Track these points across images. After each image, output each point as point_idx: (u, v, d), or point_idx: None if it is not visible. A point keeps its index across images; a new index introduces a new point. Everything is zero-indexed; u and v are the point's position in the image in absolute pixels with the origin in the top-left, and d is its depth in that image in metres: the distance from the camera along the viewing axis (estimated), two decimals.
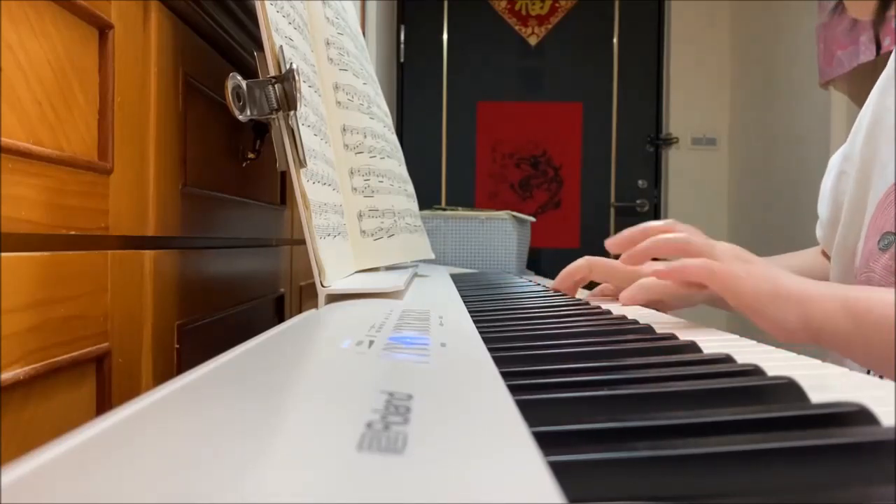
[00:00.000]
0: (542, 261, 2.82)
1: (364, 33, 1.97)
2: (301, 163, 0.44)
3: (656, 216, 2.99)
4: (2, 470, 0.12)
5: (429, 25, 3.00)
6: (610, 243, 0.57)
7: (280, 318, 0.75)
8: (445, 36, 3.00)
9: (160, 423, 0.16)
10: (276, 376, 0.22)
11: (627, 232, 0.58)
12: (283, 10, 0.47)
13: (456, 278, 0.89)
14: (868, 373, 0.56)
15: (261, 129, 0.62)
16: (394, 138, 0.78)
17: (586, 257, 0.68)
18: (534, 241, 1.77)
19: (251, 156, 0.62)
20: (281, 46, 0.44)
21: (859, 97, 1.90)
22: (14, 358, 0.29)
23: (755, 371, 0.28)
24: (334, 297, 0.43)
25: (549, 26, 3.00)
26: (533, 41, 3.00)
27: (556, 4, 2.99)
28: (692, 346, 0.35)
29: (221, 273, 0.56)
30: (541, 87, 3.00)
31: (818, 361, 0.33)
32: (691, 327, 0.46)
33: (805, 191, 2.06)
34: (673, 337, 0.37)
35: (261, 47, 0.44)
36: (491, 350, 0.31)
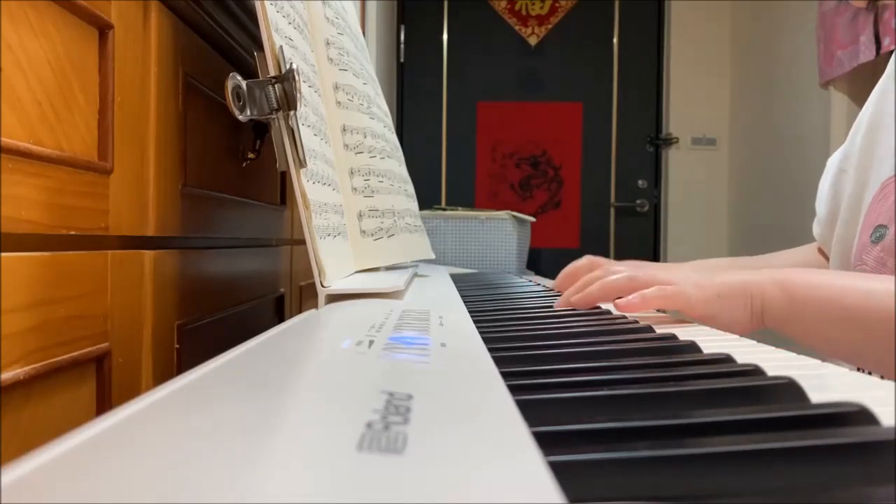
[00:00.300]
0: (542, 261, 2.82)
1: (364, 33, 1.97)
2: (301, 163, 0.44)
3: (656, 216, 2.99)
4: (2, 470, 0.12)
5: (429, 25, 3.00)
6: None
7: (280, 318, 0.75)
8: (445, 36, 3.00)
9: (160, 423, 0.16)
10: (276, 376, 0.22)
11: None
12: (283, 10, 0.47)
13: (456, 278, 0.89)
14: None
15: (261, 129, 0.62)
16: (394, 138, 0.78)
17: (588, 256, 0.68)
18: (534, 241, 1.77)
19: (251, 156, 0.62)
20: (281, 46, 0.44)
21: (859, 97, 1.90)
22: (14, 358, 0.29)
23: (755, 371, 0.28)
24: (334, 297, 0.43)
25: (549, 26, 3.00)
26: (533, 41, 3.00)
27: (556, 4, 2.99)
28: (692, 346, 0.35)
29: (221, 273, 0.56)
30: (541, 87, 2.99)
31: (818, 361, 0.33)
32: (691, 327, 0.46)
33: (805, 191, 2.06)
34: (673, 337, 0.37)
35: (261, 47, 0.44)
36: (491, 350, 0.31)
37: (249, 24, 0.57)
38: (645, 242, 2.97)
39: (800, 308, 0.46)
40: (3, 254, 0.29)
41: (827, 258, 0.71)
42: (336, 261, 0.48)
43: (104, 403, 0.38)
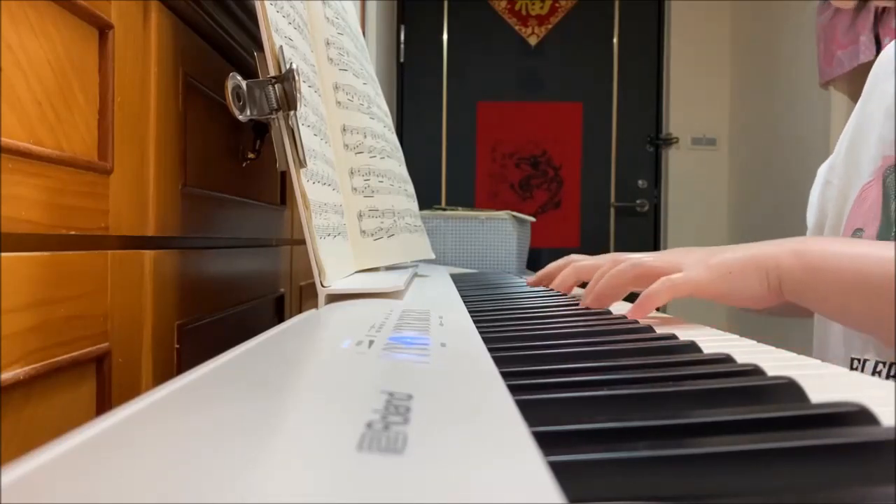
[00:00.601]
0: (542, 261, 2.80)
1: (364, 33, 1.97)
2: (301, 163, 0.44)
3: (656, 216, 2.99)
4: (2, 470, 0.12)
5: (429, 25, 3.00)
6: (532, 281, 0.60)
7: (280, 318, 0.75)
8: (445, 36, 3.00)
9: (160, 423, 0.16)
10: (276, 376, 0.22)
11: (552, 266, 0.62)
12: (283, 10, 0.47)
13: (456, 278, 0.89)
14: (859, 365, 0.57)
15: (261, 129, 0.62)
16: (394, 138, 0.78)
17: (568, 257, 0.69)
18: (534, 241, 1.77)
19: (251, 156, 0.62)
20: (281, 46, 0.44)
21: (859, 97, 1.89)
22: (14, 358, 0.29)
23: (755, 371, 0.28)
24: (334, 297, 0.43)
25: (549, 26, 3.00)
26: (533, 41, 3.00)
27: (556, 4, 2.99)
28: (692, 346, 0.35)
29: (221, 273, 0.56)
30: (541, 87, 2.99)
31: (818, 361, 0.33)
32: (691, 327, 0.46)
33: (805, 191, 2.05)
34: (673, 337, 0.37)
35: (261, 47, 0.44)
36: (491, 350, 0.31)
37: (249, 24, 0.57)
38: (645, 242, 2.97)
39: (817, 276, 0.45)
40: (3, 254, 0.29)
41: None
42: (336, 261, 0.48)
43: (104, 403, 0.38)
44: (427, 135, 2.99)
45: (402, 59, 2.98)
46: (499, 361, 0.28)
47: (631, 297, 0.55)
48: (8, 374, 0.29)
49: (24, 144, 0.31)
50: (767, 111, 2.54)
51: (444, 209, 1.55)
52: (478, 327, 0.40)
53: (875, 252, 0.44)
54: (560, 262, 0.71)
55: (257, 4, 0.43)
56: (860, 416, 0.21)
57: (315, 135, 0.50)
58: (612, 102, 2.98)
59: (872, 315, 0.44)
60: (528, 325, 0.45)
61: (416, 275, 0.72)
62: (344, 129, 0.60)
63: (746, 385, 0.25)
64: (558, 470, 0.14)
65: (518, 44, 3.00)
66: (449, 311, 0.43)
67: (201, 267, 0.52)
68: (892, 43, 0.68)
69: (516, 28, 3.00)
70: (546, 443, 0.16)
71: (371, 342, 0.28)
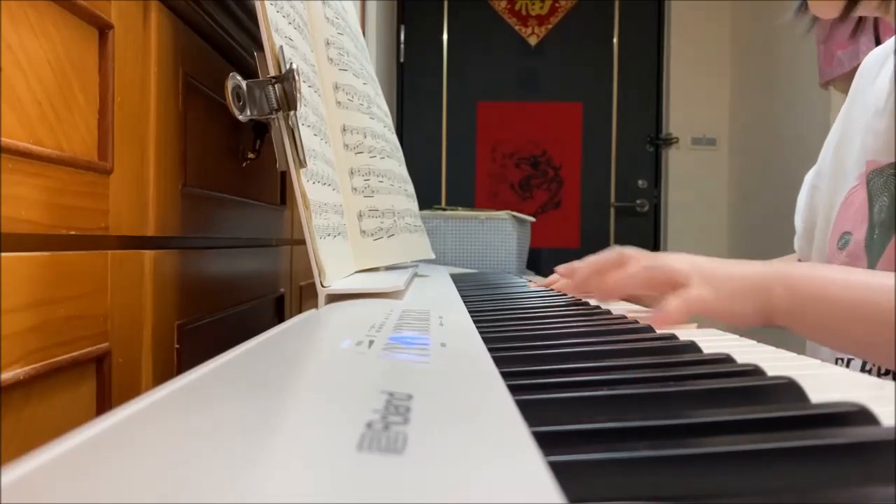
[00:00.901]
0: (542, 261, 2.81)
1: (364, 33, 1.97)
2: (301, 163, 0.44)
3: (656, 216, 2.99)
4: (2, 470, 0.12)
5: (429, 25, 3.00)
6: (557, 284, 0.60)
7: (280, 318, 0.75)
8: (445, 36, 3.00)
9: (160, 423, 0.16)
10: (276, 376, 0.22)
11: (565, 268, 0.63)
12: (283, 10, 0.47)
13: (456, 278, 0.89)
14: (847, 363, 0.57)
15: (261, 129, 0.62)
16: (394, 138, 0.78)
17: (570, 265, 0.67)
18: (534, 241, 1.77)
19: (251, 156, 0.62)
20: (281, 46, 0.44)
21: None
22: (14, 358, 0.29)
23: (755, 371, 0.28)
24: (334, 297, 0.43)
25: (549, 26, 3.00)
26: (533, 41, 3.00)
27: (556, 4, 2.99)
28: (692, 346, 0.35)
29: (221, 273, 0.56)
30: (541, 87, 2.99)
31: (818, 361, 0.33)
32: (691, 327, 0.46)
33: None
34: (673, 337, 0.37)
35: (261, 47, 0.44)
36: (491, 350, 0.31)
37: (249, 24, 0.57)
38: (645, 242, 2.97)
39: (803, 304, 0.47)
40: (3, 254, 0.29)
41: None
42: (336, 261, 0.48)
43: (104, 403, 0.38)
44: (427, 135, 2.99)
45: (402, 59, 2.98)
46: (499, 361, 0.28)
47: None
48: (8, 374, 0.29)
49: (24, 144, 0.31)
50: (767, 111, 2.54)
51: (444, 209, 1.55)
52: (478, 327, 0.40)
53: (855, 278, 0.46)
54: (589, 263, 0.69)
55: (257, 4, 0.43)
56: (860, 416, 0.21)
57: (315, 135, 0.50)
58: (612, 102, 2.98)
59: (864, 341, 0.45)
60: (528, 325, 0.45)
61: (416, 275, 0.72)
62: (344, 129, 0.60)
63: (746, 385, 0.25)
64: (558, 470, 0.14)
65: (518, 44, 3.00)
66: (449, 311, 0.43)
67: (201, 267, 0.52)
68: (876, 49, 0.69)
69: (516, 28, 3.00)
70: (546, 443, 0.16)
71: (371, 342, 0.28)
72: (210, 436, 0.15)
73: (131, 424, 0.16)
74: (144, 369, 0.42)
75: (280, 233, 0.76)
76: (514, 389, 0.23)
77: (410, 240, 0.71)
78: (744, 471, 0.17)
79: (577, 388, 0.26)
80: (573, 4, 2.99)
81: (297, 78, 0.43)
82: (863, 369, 0.57)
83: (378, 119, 0.69)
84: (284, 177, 0.78)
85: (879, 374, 0.56)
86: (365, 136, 0.63)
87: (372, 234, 0.60)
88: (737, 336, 0.41)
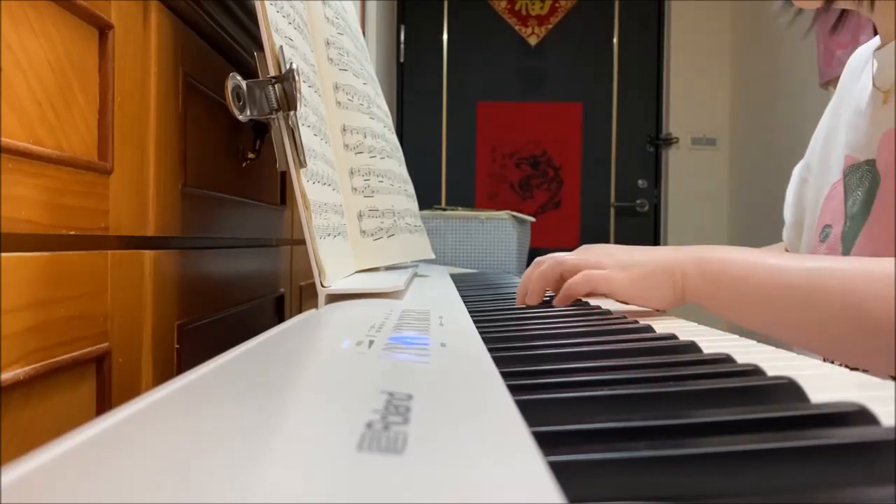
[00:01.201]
0: None
1: (364, 33, 1.97)
2: (301, 163, 0.44)
3: (656, 216, 2.99)
4: (2, 470, 0.12)
5: (429, 25, 3.00)
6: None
7: (280, 318, 0.75)
8: (445, 36, 3.00)
9: (160, 423, 0.16)
10: (276, 376, 0.22)
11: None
12: (283, 10, 0.47)
13: (456, 278, 0.89)
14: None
15: (261, 129, 0.62)
16: (394, 138, 0.78)
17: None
18: (534, 241, 1.77)
19: (251, 156, 0.62)
20: (281, 46, 0.44)
21: None
22: (14, 358, 0.29)
23: (755, 371, 0.28)
24: (334, 297, 0.43)
25: (549, 26, 3.00)
26: (533, 41, 3.00)
27: (556, 4, 2.99)
28: (692, 346, 0.35)
29: (221, 273, 0.56)
30: (541, 87, 2.99)
31: (818, 361, 0.33)
32: (691, 327, 0.46)
33: None
34: (673, 337, 0.37)
35: (261, 47, 0.44)
36: (491, 350, 0.31)
37: (249, 24, 0.57)
38: (645, 242, 2.96)
39: (713, 284, 0.49)
40: (3, 254, 0.29)
41: None
42: (336, 261, 0.48)
43: (104, 403, 0.38)
44: (427, 135, 2.99)
45: (402, 59, 2.98)
46: (499, 361, 0.28)
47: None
48: (8, 374, 0.29)
49: (24, 144, 0.31)
50: (767, 111, 2.54)
51: (444, 209, 1.55)
52: (478, 327, 0.40)
53: (768, 261, 0.47)
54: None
55: (257, 4, 0.43)
56: (860, 416, 0.21)
57: (315, 135, 0.50)
58: (612, 102, 2.98)
59: (765, 319, 0.47)
60: (528, 325, 0.45)
61: (416, 275, 0.72)
62: (344, 129, 0.60)
63: (746, 385, 0.25)
64: (558, 470, 0.14)
65: (518, 44, 3.00)
66: (449, 311, 0.43)
67: (201, 267, 0.52)
68: (862, 46, 0.70)
69: (516, 28, 3.00)
70: (546, 443, 0.16)
71: (371, 342, 0.28)
72: (210, 436, 0.15)
73: (131, 424, 0.16)
74: (144, 369, 0.42)
75: (280, 233, 0.76)
76: (514, 389, 0.23)
77: (410, 240, 0.71)
78: (744, 471, 0.17)
79: (577, 388, 0.26)
80: (573, 4, 2.99)
81: (297, 78, 0.43)
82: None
83: (378, 119, 0.69)
84: (284, 177, 0.78)
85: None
86: (365, 136, 0.63)
87: (372, 234, 0.60)
88: (737, 336, 0.41)
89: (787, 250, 0.80)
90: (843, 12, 0.70)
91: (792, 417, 0.21)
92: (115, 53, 0.38)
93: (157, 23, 0.43)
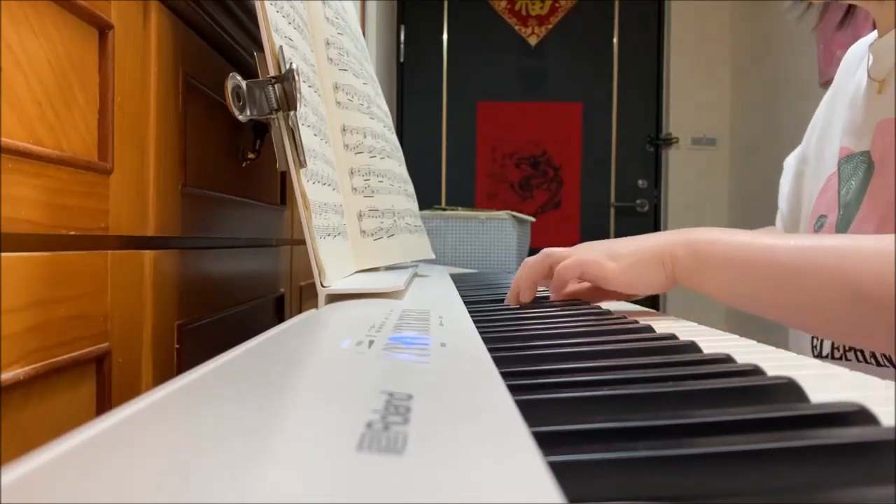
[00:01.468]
0: None
1: (364, 33, 1.97)
2: (301, 163, 0.44)
3: (656, 216, 2.99)
4: (2, 470, 0.12)
5: (429, 25, 3.00)
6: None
7: (280, 318, 0.75)
8: (445, 36, 3.00)
9: (160, 423, 0.16)
10: (276, 376, 0.22)
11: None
12: (283, 10, 0.47)
13: (456, 278, 0.89)
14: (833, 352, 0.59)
15: (261, 129, 0.62)
16: (394, 138, 0.78)
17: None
18: (534, 241, 1.77)
19: (251, 156, 0.62)
20: (281, 46, 0.44)
21: None
22: (14, 358, 0.29)
23: (755, 371, 0.28)
24: (334, 297, 0.43)
25: (549, 26, 3.00)
26: (533, 41, 3.00)
27: (556, 4, 2.99)
28: (692, 346, 0.35)
29: (221, 273, 0.56)
30: (541, 87, 2.99)
31: (818, 361, 0.33)
32: (691, 327, 0.46)
33: None
34: (673, 337, 0.37)
35: (261, 47, 0.44)
36: (491, 350, 0.31)
37: (249, 24, 0.57)
38: None
39: (704, 265, 0.48)
40: (3, 254, 0.29)
41: None
42: (336, 261, 0.48)
43: (104, 403, 0.38)
44: (427, 135, 2.99)
45: (402, 59, 2.98)
46: (499, 361, 0.28)
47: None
48: (8, 374, 0.29)
49: (24, 144, 0.31)
50: (767, 111, 2.54)
51: (444, 209, 1.55)
52: (478, 327, 0.40)
53: (759, 241, 0.47)
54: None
55: (257, 4, 0.43)
56: (860, 416, 0.21)
57: (315, 135, 0.50)
58: (612, 102, 2.98)
59: (758, 299, 0.47)
60: (528, 325, 0.45)
61: (416, 275, 0.72)
62: (344, 129, 0.60)
63: (746, 385, 0.25)
64: (558, 470, 0.14)
65: (518, 44, 3.00)
66: (449, 311, 0.43)
67: (201, 267, 0.52)
68: (858, 41, 0.71)
69: (516, 28, 3.00)
70: (546, 443, 0.16)
71: (371, 342, 0.28)
72: (210, 436, 0.15)
73: (131, 424, 0.16)
74: (144, 369, 0.42)
75: (280, 233, 0.76)
76: (513, 389, 0.23)
77: (410, 240, 0.71)
78: (744, 471, 0.17)
79: (577, 388, 0.26)
80: (573, 4, 2.99)
81: (297, 78, 0.43)
82: (833, 347, 0.59)
83: (378, 119, 0.69)
84: (284, 177, 0.78)
85: (844, 352, 0.57)
86: (365, 136, 0.63)
87: (372, 234, 0.60)
88: (737, 336, 0.41)
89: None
90: (850, 9, 0.71)
91: (792, 417, 0.21)
92: (115, 53, 0.38)
93: (157, 23, 0.43)
